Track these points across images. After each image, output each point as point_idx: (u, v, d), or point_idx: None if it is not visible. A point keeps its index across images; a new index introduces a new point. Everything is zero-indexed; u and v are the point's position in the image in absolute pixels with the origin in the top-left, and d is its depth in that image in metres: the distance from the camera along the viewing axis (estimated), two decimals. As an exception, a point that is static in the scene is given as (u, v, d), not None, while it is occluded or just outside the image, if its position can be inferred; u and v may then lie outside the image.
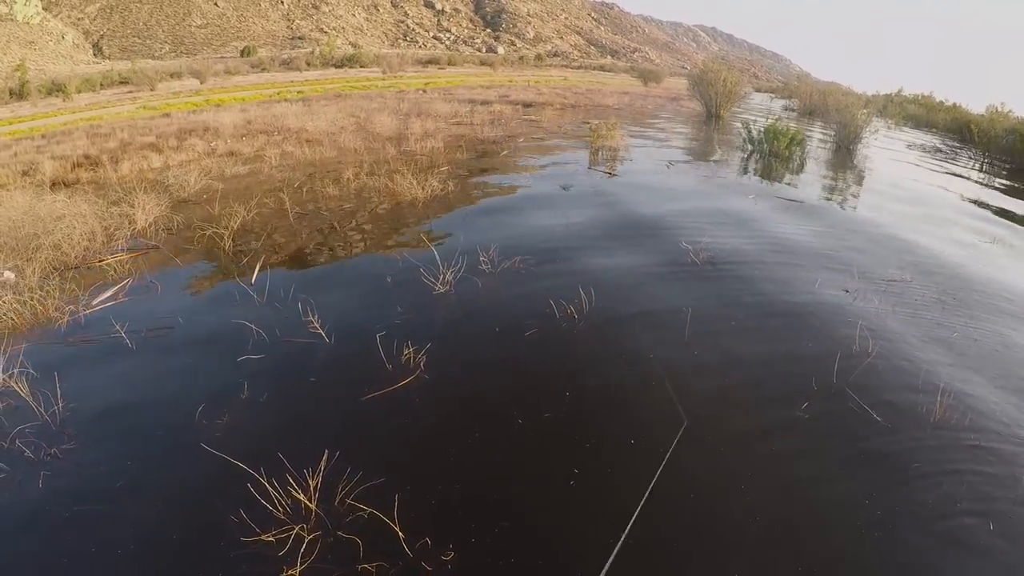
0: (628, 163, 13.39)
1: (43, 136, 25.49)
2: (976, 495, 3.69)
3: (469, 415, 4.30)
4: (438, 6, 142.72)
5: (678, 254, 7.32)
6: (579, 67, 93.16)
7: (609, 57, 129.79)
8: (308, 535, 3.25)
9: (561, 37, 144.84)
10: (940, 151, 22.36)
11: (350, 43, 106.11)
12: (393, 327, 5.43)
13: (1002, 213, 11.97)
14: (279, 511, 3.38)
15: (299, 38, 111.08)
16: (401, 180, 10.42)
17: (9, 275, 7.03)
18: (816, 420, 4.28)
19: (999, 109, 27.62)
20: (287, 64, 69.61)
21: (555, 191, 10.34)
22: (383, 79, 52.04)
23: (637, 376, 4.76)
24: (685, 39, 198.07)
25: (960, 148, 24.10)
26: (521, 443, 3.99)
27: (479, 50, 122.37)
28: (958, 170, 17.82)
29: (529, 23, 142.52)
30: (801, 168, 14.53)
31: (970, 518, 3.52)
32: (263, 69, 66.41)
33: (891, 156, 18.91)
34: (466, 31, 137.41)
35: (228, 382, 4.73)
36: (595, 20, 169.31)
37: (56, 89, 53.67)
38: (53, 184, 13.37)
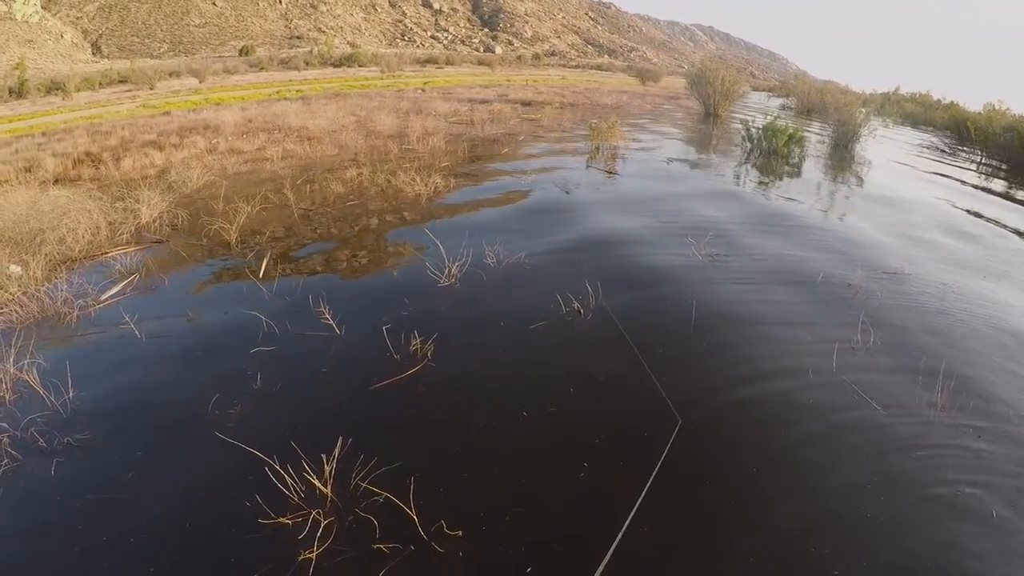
0: (628, 161, 13.45)
1: (44, 134, 25.47)
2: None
3: (477, 404, 4.37)
4: (436, 6, 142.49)
5: (680, 249, 7.39)
6: (577, 66, 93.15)
7: (607, 56, 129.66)
8: (324, 519, 3.31)
9: (559, 36, 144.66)
10: (939, 149, 22.41)
11: (348, 43, 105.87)
12: (400, 318, 5.51)
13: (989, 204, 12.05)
14: (295, 496, 3.43)
15: (297, 37, 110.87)
16: (404, 177, 10.50)
17: (15, 268, 7.07)
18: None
19: (996, 107, 27.67)
20: (286, 63, 69.54)
21: (556, 188, 10.40)
22: (382, 78, 52.01)
23: (642, 368, 4.81)
24: (682, 38, 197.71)
25: (958, 146, 24.14)
26: (528, 433, 4.05)
27: (477, 49, 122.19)
28: (955, 169, 17.85)
29: (527, 22, 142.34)
30: (800, 166, 14.59)
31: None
32: (262, 68, 66.31)
33: (889, 154, 18.97)
34: (464, 31, 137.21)
35: (240, 373, 4.77)
36: (592, 19, 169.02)
37: (55, 87, 53.59)
38: (56, 181, 13.39)
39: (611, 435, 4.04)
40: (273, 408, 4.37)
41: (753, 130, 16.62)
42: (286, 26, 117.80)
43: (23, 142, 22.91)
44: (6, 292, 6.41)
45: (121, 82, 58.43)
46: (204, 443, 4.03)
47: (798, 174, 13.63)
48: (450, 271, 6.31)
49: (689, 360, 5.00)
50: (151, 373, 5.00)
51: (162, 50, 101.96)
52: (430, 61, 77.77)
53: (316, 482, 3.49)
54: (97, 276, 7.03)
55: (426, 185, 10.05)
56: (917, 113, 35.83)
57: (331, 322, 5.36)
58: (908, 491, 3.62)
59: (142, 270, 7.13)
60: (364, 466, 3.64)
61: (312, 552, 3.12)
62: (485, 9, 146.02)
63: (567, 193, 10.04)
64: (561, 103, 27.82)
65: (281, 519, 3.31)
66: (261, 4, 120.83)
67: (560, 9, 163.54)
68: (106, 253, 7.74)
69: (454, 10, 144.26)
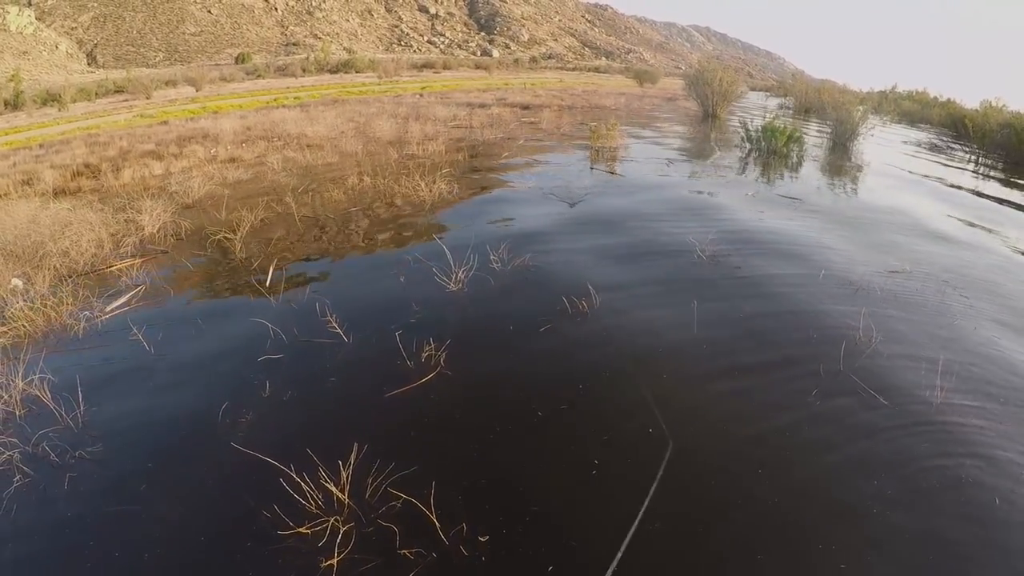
0: (628, 162, 13.48)
1: (41, 146, 25.49)
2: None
3: (490, 410, 4.37)
4: (432, 10, 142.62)
5: (684, 248, 7.40)
6: (574, 69, 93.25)
7: (604, 58, 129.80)
8: (343, 526, 3.32)
9: (555, 39, 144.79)
10: (936, 146, 22.44)
11: (345, 48, 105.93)
12: (410, 325, 5.51)
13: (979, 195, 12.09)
14: (311, 505, 3.44)
15: (293, 44, 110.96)
16: (407, 183, 10.53)
17: (17, 282, 7.09)
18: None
19: (993, 104, 27.68)
20: (282, 70, 69.60)
21: (559, 190, 10.40)
22: (379, 84, 52.08)
23: (647, 367, 4.84)
24: (679, 39, 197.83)
25: (955, 143, 24.16)
26: (542, 435, 4.07)
27: (474, 53, 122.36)
28: (953, 164, 17.90)
29: (523, 26, 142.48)
30: (799, 165, 14.61)
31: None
32: (258, 76, 66.37)
33: (887, 151, 18.98)
34: (460, 35, 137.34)
35: (250, 382, 4.79)
36: (589, 22, 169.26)
37: (51, 99, 53.56)
38: (55, 193, 13.42)
39: (620, 434, 4.07)
40: (284, 416, 4.38)
41: (752, 130, 16.66)
42: (282, 33, 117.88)
43: (20, 155, 22.92)
44: (11, 307, 6.41)
45: (117, 92, 58.50)
46: (217, 453, 4.03)
47: (797, 172, 13.65)
48: (457, 276, 6.31)
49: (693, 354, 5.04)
50: (160, 384, 5.01)
51: (158, 59, 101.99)
52: (427, 66, 77.87)
53: (334, 489, 3.50)
54: (102, 288, 7.05)
55: (429, 190, 10.07)
56: (914, 111, 35.82)
57: (339, 330, 5.37)
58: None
59: (147, 282, 7.14)
60: (381, 472, 3.65)
61: (333, 560, 3.12)
62: (482, 13, 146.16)
63: (569, 195, 10.05)
64: (560, 106, 27.86)
65: (300, 528, 3.32)
66: (256, 11, 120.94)
67: (557, 12, 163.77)
68: (110, 266, 7.75)
69: (450, 14, 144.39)
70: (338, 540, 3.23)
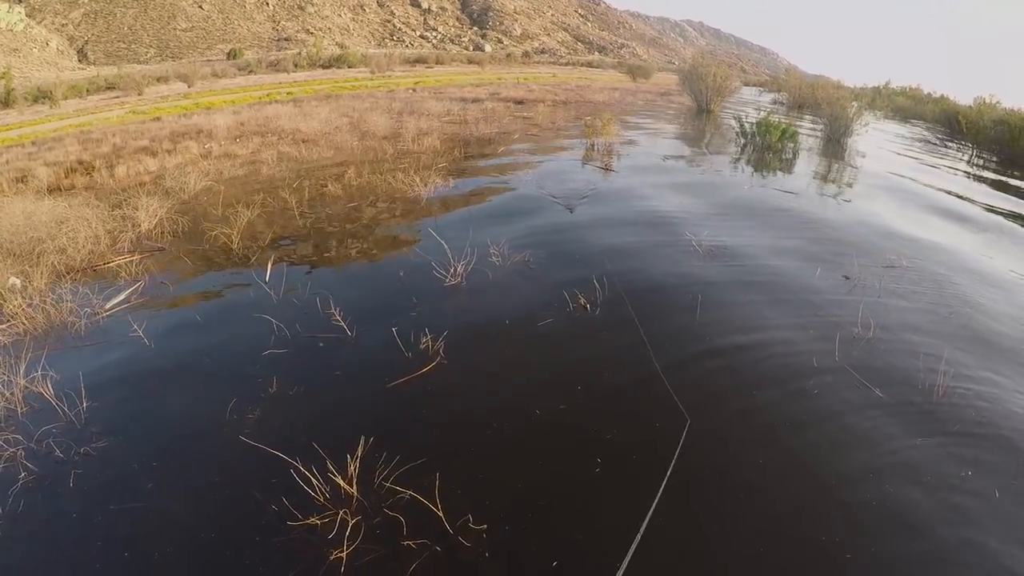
0: (623, 158, 13.49)
1: (33, 143, 25.37)
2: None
3: (490, 402, 4.43)
4: (424, 5, 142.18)
5: (682, 243, 7.45)
6: (567, 64, 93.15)
7: (597, 53, 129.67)
8: (351, 519, 3.35)
9: (548, 34, 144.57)
10: (929, 143, 22.52)
11: (337, 44, 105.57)
12: (409, 318, 5.56)
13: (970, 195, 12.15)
14: (320, 497, 3.48)
15: (285, 39, 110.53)
16: (403, 177, 10.54)
17: (15, 280, 7.07)
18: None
19: (987, 100, 27.78)
20: (274, 66, 69.31)
21: (555, 185, 10.42)
22: (372, 79, 51.89)
23: (649, 365, 4.86)
24: (672, 34, 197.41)
25: (949, 139, 24.25)
26: (543, 428, 4.11)
27: (466, 48, 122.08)
28: (947, 161, 17.99)
29: (516, 20, 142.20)
30: (794, 160, 14.64)
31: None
32: (251, 71, 66.11)
33: (881, 147, 19.05)
34: (453, 29, 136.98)
35: (254, 377, 4.81)
36: (582, 16, 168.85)
37: (43, 96, 53.39)
38: (49, 190, 13.36)
39: (622, 430, 4.09)
40: (290, 411, 4.40)
41: (747, 125, 16.70)
42: (274, 28, 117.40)
43: (13, 152, 22.82)
44: (9, 304, 6.41)
45: (109, 88, 58.30)
46: (223, 448, 4.07)
47: (792, 167, 13.68)
48: (456, 270, 6.35)
49: (691, 354, 5.06)
50: (163, 380, 5.03)
51: (149, 55, 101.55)
52: (420, 61, 77.63)
53: (341, 482, 3.53)
54: (101, 285, 7.04)
55: (425, 185, 10.08)
56: (908, 107, 35.97)
57: (342, 323, 5.40)
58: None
59: (146, 278, 7.13)
60: (387, 464, 3.68)
61: (342, 552, 3.16)
62: (474, 7, 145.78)
63: (566, 190, 10.06)
64: (554, 101, 27.83)
65: (309, 520, 3.36)
66: (248, 6, 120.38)
67: (549, 6, 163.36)
68: (108, 262, 7.74)
69: (443, 9, 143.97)
70: (347, 532, 3.27)
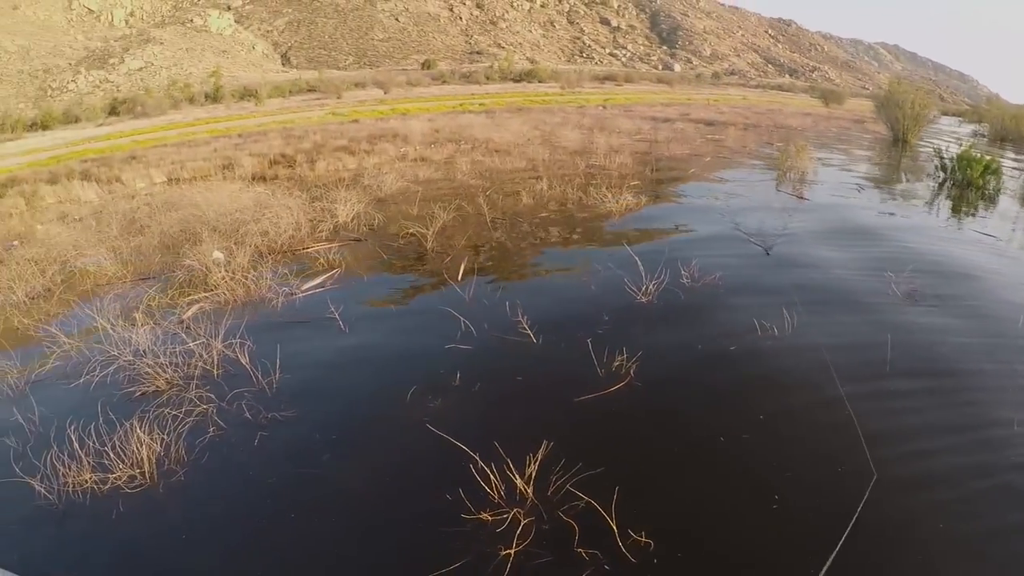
0: (816, 186, 12.95)
1: (239, 135, 27.35)
2: None
3: (676, 425, 4.31)
4: (614, 23, 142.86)
5: (879, 285, 6.93)
6: (757, 86, 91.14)
7: (787, 76, 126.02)
8: (524, 518, 3.35)
9: (738, 55, 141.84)
10: None
11: (527, 58, 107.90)
12: (596, 333, 5.48)
13: None
14: (494, 494, 3.50)
15: (477, 53, 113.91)
16: (594, 193, 10.58)
17: (218, 255, 7.67)
18: None
19: None
20: (467, 77, 71.56)
21: (746, 211, 10.08)
22: (562, 94, 52.68)
23: (834, 405, 4.52)
24: (866, 57, 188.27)
25: None
26: (726, 460, 3.93)
27: (655, 67, 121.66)
28: None
29: (705, 40, 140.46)
30: (996, 198, 13.39)
31: None
32: (443, 82, 68.56)
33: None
34: (642, 48, 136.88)
35: (438, 369, 4.94)
36: (772, 37, 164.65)
37: (248, 94, 57.88)
38: (253, 178, 14.37)
39: (803, 470, 3.83)
40: (471, 406, 4.49)
41: (946, 159, 15.61)
42: (466, 42, 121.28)
43: (220, 142, 24.72)
44: (213, 276, 6.94)
45: (310, 91, 62.25)
46: (403, 432, 4.21)
47: (993, 208, 12.55)
48: (647, 288, 6.22)
49: (880, 396, 4.67)
50: (352, 361, 5.30)
51: (347, 62, 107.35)
52: (609, 78, 78.06)
53: (518, 481, 3.54)
54: (299, 268, 7.52)
55: (617, 202, 10.02)
56: None
57: (528, 330, 5.42)
58: None
59: (342, 266, 7.52)
60: (566, 471, 3.65)
61: (511, 550, 3.16)
62: (663, 26, 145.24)
63: (757, 217, 9.71)
64: (744, 124, 27.18)
65: (481, 515, 3.38)
66: (442, 20, 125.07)
67: (739, 27, 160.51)
68: (307, 248, 8.22)
69: (632, 27, 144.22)
70: (518, 531, 3.26)
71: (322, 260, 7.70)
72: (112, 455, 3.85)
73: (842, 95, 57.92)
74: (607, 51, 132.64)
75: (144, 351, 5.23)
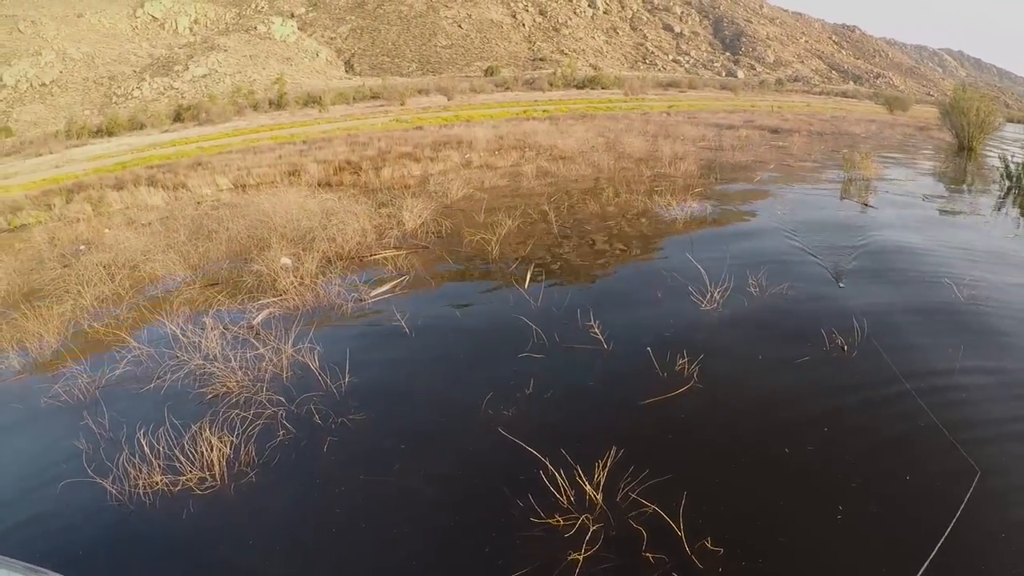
0: (882, 194, 12.69)
1: (304, 142, 27.84)
2: None
3: (740, 431, 4.30)
4: (677, 29, 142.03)
5: (941, 291, 6.70)
6: (820, 93, 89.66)
7: (851, 83, 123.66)
8: (592, 524, 3.38)
9: (801, 61, 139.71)
10: None
11: (590, 65, 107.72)
12: (664, 339, 5.51)
13: None
14: (564, 500, 3.54)
15: (540, 59, 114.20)
16: (660, 200, 10.55)
17: (286, 261, 7.85)
18: None
19: None
20: (530, 84, 71.76)
21: (812, 219, 9.95)
22: (625, 100, 52.47)
23: (908, 417, 4.44)
24: (930, 64, 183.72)
25: None
26: (791, 469, 3.90)
27: (718, 74, 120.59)
28: None
29: (768, 46, 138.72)
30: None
31: None
32: (507, 88, 68.86)
33: None
34: (705, 54, 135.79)
35: (510, 377, 5.01)
36: (836, 44, 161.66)
37: (312, 101, 58.83)
38: (319, 185, 14.62)
39: (869, 482, 3.77)
40: (543, 413, 4.52)
41: (1012, 167, 15.16)
42: (529, 48, 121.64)
43: (285, 148, 25.18)
44: (282, 281, 7.11)
45: (373, 97, 63.01)
46: (473, 439, 4.28)
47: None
48: (712, 296, 6.20)
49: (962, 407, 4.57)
50: (422, 368, 5.39)
51: (410, 69, 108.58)
52: (672, 85, 77.57)
53: (588, 488, 3.57)
54: (366, 274, 7.66)
55: (682, 210, 10.02)
56: None
57: (599, 336, 5.45)
58: None
59: (410, 273, 7.64)
60: (635, 478, 3.68)
61: (579, 555, 3.19)
62: (726, 33, 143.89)
63: (823, 227, 9.56)
64: (808, 131, 26.71)
65: (551, 519, 3.42)
66: (505, 27, 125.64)
67: (803, 33, 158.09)
68: (374, 254, 8.36)
69: (695, 34, 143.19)
70: (587, 537, 3.30)
71: (389, 267, 7.83)
72: (182, 457, 4.00)
73: (906, 101, 56.52)
74: (670, 57, 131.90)
75: (214, 355, 5.41)
